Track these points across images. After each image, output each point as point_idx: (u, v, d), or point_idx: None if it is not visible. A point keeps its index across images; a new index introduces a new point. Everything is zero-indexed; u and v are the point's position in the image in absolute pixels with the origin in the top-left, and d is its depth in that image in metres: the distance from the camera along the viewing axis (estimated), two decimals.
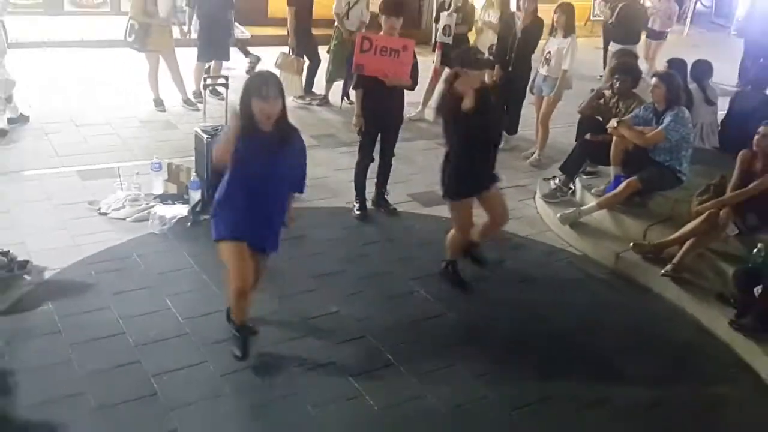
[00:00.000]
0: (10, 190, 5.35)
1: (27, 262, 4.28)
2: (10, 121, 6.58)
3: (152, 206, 5.14)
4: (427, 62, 9.08)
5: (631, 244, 5.02)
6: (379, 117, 5.18)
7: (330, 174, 6.23)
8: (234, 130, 3.25)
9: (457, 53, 4.31)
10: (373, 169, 5.54)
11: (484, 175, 4.28)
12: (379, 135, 5.38)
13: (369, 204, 5.61)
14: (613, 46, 8.78)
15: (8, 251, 4.26)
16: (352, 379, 3.59)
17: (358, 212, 5.49)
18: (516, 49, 6.89)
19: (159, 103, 7.53)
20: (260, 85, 3.20)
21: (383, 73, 5.04)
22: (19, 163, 5.87)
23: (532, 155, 7.01)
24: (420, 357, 3.85)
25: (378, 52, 4.99)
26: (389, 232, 5.32)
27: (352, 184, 5.61)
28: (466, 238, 4.40)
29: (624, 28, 8.94)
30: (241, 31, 10.29)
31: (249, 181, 3.33)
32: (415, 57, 5.16)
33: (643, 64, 6.35)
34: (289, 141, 3.35)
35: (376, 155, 5.49)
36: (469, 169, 4.19)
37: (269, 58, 8.26)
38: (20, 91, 6.90)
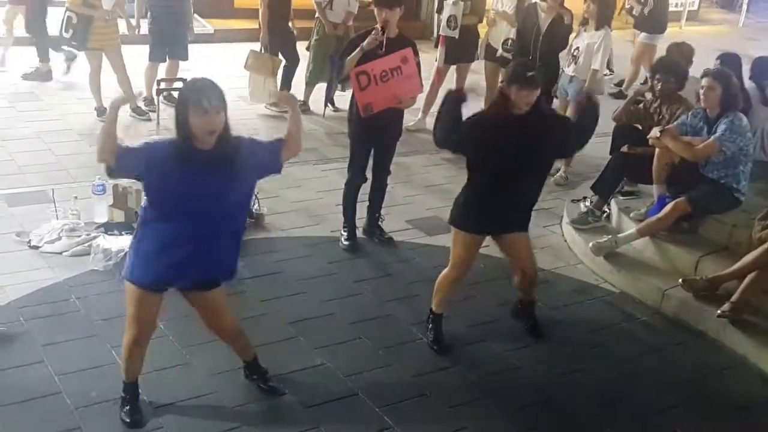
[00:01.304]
0: None
1: None
2: None
3: (94, 237, 5.19)
4: (429, 60, 9.24)
5: (680, 279, 5.06)
6: (373, 126, 5.25)
7: (311, 197, 6.31)
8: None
9: (511, 67, 4.25)
10: (364, 190, 5.62)
11: (505, 214, 4.25)
12: (372, 149, 5.45)
13: (360, 233, 5.67)
14: (641, 37, 8.98)
15: None
16: None
17: (346, 242, 5.54)
18: (540, 47, 7.03)
19: (102, 111, 7.60)
20: (198, 95, 3.18)
21: (395, 100, 5.15)
22: None
23: (557, 172, 7.10)
24: (423, 420, 3.88)
25: (379, 80, 5.07)
26: (385, 266, 5.38)
27: (339, 208, 5.68)
28: (457, 279, 4.44)
29: (655, 17, 9.16)
30: (203, 26, 10.45)
31: (186, 215, 3.32)
32: (418, 55, 5.27)
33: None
34: (235, 157, 3.31)
35: (369, 174, 5.56)
36: (485, 200, 4.21)
37: (237, 58, 8.38)
38: None
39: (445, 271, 4.45)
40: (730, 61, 6.05)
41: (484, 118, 4.16)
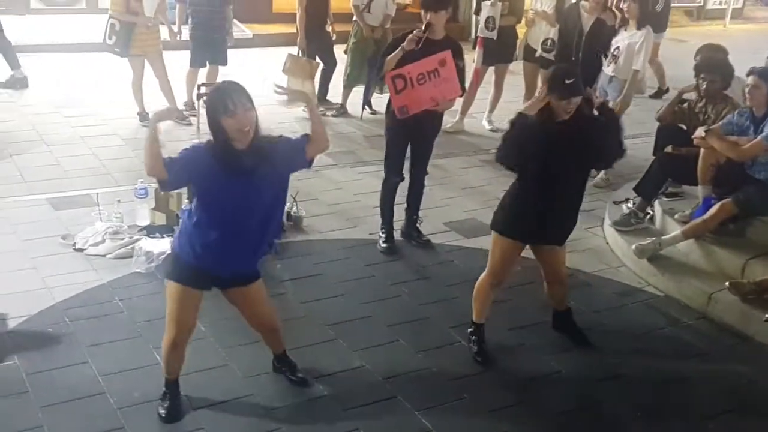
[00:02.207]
0: None
1: None
2: None
3: (137, 240, 5.27)
4: (467, 61, 9.22)
5: (727, 282, 4.98)
6: (410, 124, 5.23)
7: (349, 199, 6.33)
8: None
9: (551, 73, 4.16)
10: (402, 192, 5.62)
11: (547, 222, 4.17)
12: (408, 147, 5.44)
13: (398, 235, 5.68)
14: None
15: None
16: None
17: (384, 245, 5.55)
18: (583, 49, 6.98)
19: (144, 116, 7.74)
20: (223, 99, 3.28)
21: (432, 102, 5.14)
22: None
23: (597, 174, 7.02)
24: (462, 423, 3.87)
25: (416, 83, 5.06)
26: (423, 269, 5.37)
27: (377, 210, 5.69)
28: (494, 285, 4.36)
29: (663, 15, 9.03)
30: (242, 31, 10.57)
31: (229, 214, 3.42)
32: (462, 58, 5.26)
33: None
34: (270, 153, 3.40)
35: (406, 173, 5.56)
36: (529, 206, 4.13)
37: (276, 62, 8.45)
38: None
39: (482, 276, 4.41)
40: None
41: (532, 124, 4.03)
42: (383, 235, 5.57)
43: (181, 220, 3.71)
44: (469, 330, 4.43)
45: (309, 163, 3.67)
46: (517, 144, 4.00)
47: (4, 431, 3.57)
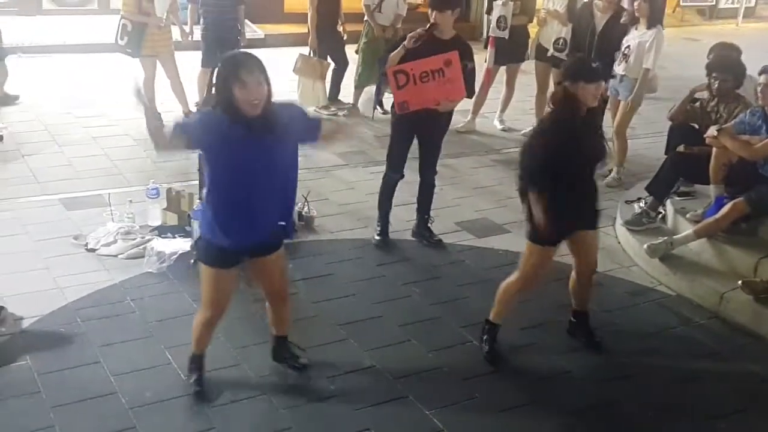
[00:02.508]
0: None
1: (0, 308, 4.42)
2: None
3: (148, 240, 5.29)
4: (478, 61, 9.21)
5: (739, 282, 4.96)
6: (416, 119, 5.22)
7: (360, 199, 6.33)
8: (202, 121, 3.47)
9: (569, 64, 4.23)
10: (413, 191, 5.60)
11: (579, 214, 4.17)
12: (417, 145, 5.42)
13: (409, 234, 5.67)
14: None
15: None
16: None
17: (378, 238, 5.57)
18: (596, 48, 6.96)
19: (156, 117, 7.75)
20: (237, 68, 3.30)
21: (433, 102, 5.13)
22: None
23: (609, 173, 7.00)
24: (474, 423, 3.86)
25: (419, 80, 5.04)
26: (434, 268, 5.36)
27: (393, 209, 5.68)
28: (525, 292, 4.31)
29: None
30: (253, 31, 10.59)
31: (241, 179, 3.46)
32: (472, 60, 5.24)
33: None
34: (279, 121, 3.42)
35: (408, 172, 5.52)
36: (562, 206, 4.01)
37: (287, 62, 8.46)
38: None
39: (511, 279, 4.28)
40: None
41: (560, 125, 3.99)
42: (378, 228, 5.59)
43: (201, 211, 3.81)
44: (484, 328, 4.40)
45: (316, 138, 3.75)
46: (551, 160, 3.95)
47: (16, 431, 3.58)
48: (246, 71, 3.28)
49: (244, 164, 3.42)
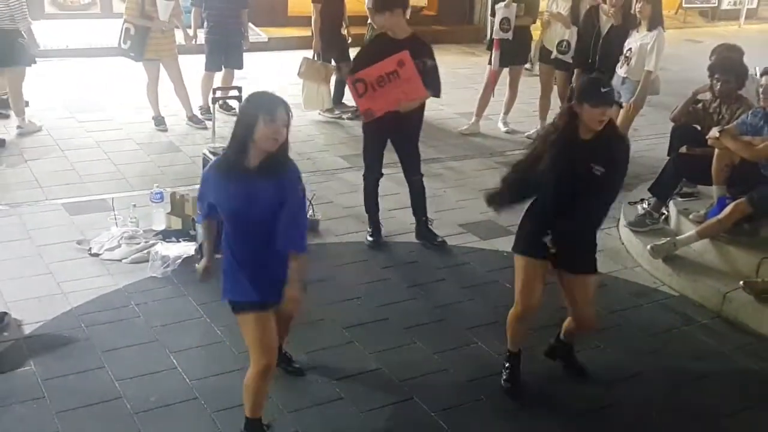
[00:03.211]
0: None
1: (4, 314, 4.42)
2: None
3: (153, 245, 5.28)
4: (482, 63, 9.19)
5: (742, 282, 4.96)
6: (384, 122, 5.24)
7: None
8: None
9: (583, 82, 4.01)
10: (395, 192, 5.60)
11: (560, 243, 3.82)
12: (386, 142, 5.44)
13: (413, 237, 5.67)
14: None
15: None
16: None
17: (370, 238, 5.59)
18: (601, 51, 6.96)
19: (160, 121, 7.77)
20: (272, 105, 3.20)
21: (395, 103, 5.15)
22: None
23: None
24: (479, 424, 3.85)
25: (376, 86, 5.10)
26: (438, 271, 5.35)
27: (393, 213, 5.69)
28: (522, 313, 3.96)
29: None
30: (257, 34, 10.58)
31: (241, 229, 3.35)
32: (431, 57, 5.23)
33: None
34: (279, 172, 3.29)
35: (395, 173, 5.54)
36: (540, 222, 3.86)
37: (291, 65, 8.47)
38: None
39: (512, 308, 4.06)
40: None
41: (556, 138, 3.79)
42: (369, 230, 5.61)
43: None
44: (507, 354, 4.15)
45: (299, 245, 3.41)
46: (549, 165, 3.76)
47: None
48: (277, 108, 3.20)
49: (236, 214, 3.31)
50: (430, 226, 5.70)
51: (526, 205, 3.95)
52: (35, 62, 7.46)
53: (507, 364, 4.13)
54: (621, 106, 6.45)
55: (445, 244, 5.64)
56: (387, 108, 5.15)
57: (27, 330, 4.39)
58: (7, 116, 7.69)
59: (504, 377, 4.11)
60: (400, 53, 5.07)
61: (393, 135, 5.41)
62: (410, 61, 5.08)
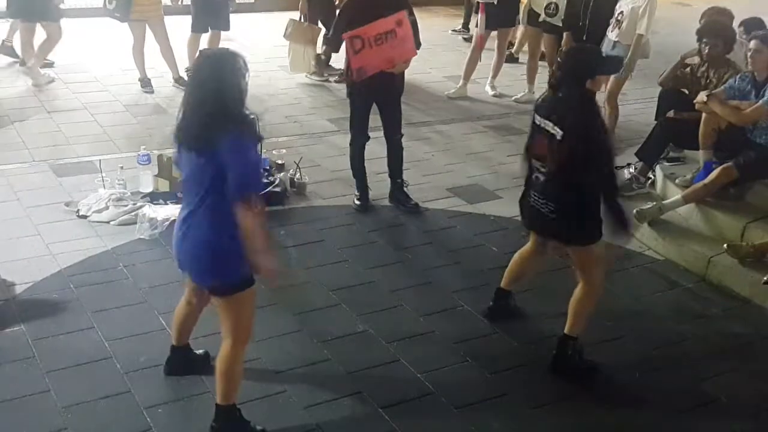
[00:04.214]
0: None
1: None
2: None
3: (140, 207, 5.28)
4: (469, 26, 9.15)
5: (726, 245, 5.00)
6: (371, 86, 5.24)
7: None
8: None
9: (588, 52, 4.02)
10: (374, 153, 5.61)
11: (541, 213, 3.88)
12: (371, 107, 5.45)
13: (387, 201, 5.70)
14: None
15: None
16: (383, 411, 3.66)
17: (357, 202, 5.61)
18: (591, 14, 6.93)
19: (146, 83, 7.71)
20: (243, 61, 3.11)
21: (389, 63, 5.18)
22: None
23: None
24: (464, 385, 3.90)
25: (374, 43, 5.09)
26: (426, 234, 5.39)
27: (380, 176, 5.69)
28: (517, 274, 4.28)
29: None
30: None
31: (184, 195, 3.25)
32: (412, 12, 5.30)
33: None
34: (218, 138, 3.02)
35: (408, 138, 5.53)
36: (525, 192, 4.02)
37: (278, 27, 8.39)
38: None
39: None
40: (752, 26, 5.97)
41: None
42: (356, 194, 5.63)
43: None
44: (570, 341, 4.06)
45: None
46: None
47: (11, 395, 3.61)
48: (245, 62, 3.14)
49: (185, 177, 3.20)
50: (405, 189, 5.70)
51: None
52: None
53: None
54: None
55: (418, 207, 5.63)
56: (380, 67, 5.16)
57: (16, 291, 4.40)
58: None
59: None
60: (398, 13, 5.13)
61: (380, 97, 5.40)
62: (407, 21, 5.14)
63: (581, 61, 3.77)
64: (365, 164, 5.66)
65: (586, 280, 3.95)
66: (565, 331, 4.00)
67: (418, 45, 5.40)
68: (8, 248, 4.79)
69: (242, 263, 3.13)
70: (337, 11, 5.80)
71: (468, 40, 9.63)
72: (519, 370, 4.04)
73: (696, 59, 5.93)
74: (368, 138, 5.56)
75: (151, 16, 7.51)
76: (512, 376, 3.99)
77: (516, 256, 4.35)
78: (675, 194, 5.51)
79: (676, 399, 3.90)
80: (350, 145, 5.61)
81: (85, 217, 5.22)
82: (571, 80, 3.70)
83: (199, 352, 3.87)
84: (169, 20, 7.77)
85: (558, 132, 3.68)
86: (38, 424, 3.45)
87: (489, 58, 8.31)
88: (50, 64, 8.14)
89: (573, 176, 3.70)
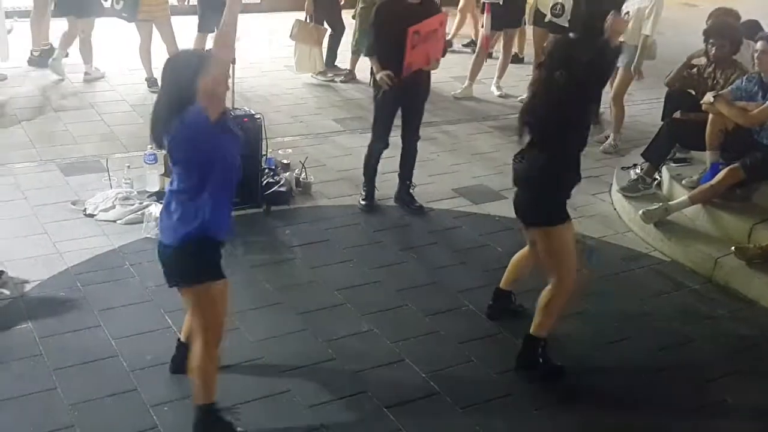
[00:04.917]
0: None
1: (1, 272, 4.45)
2: None
3: (147, 206, 5.30)
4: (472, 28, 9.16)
5: (733, 247, 5.00)
6: (400, 90, 5.27)
7: (358, 165, 6.28)
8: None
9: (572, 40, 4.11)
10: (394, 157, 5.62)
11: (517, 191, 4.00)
12: (396, 113, 5.47)
13: (392, 201, 5.72)
14: None
15: None
16: (388, 410, 3.66)
17: (363, 202, 5.61)
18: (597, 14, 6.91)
19: (153, 82, 7.72)
20: (198, 59, 3.11)
21: (427, 60, 5.27)
22: None
23: (606, 140, 7.00)
24: (469, 386, 3.90)
25: (422, 41, 5.17)
26: (431, 234, 5.39)
27: (386, 176, 5.70)
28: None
29: None
30: None
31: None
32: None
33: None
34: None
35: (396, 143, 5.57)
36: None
37: (284, 27, 8.40)
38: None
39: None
40: (751, 28, 5.99)
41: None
42: (363, 194, 5.63)
43: None
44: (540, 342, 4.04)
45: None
46: None
47: (19, 393, 3.63)
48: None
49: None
50: (411, 191, 5.71)
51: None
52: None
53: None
54: None
55: (422, 210, 5.65)
56: (420, 65, 5.25)
57: (24, 288, 4.42)
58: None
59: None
60: (441, 14, 5.34)
61: (407, 102, 5.43)
62: (446, 23, 5.32)
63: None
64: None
65: (553, 276, 3.86)
66: (531, 331, 3.94)
67: (444, 52, 5.56)
68: (16, 246, 4.81)
69: (215, 257, 3.19)
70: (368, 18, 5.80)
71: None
72: (524, 371, 4.02)
73: (703, 60, 5.94)
74: (388, 145, 5.56)
75: (158, 16, 7.54)
76: (517, 376, 3.99)
77: (515, 256, 4.36)
78: (681, 195, 5.51)
79: (682, 400, 3.91)
80: (369, 147, 5.60)
81: (92, 215, 5.24)
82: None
83: None
84: (175, 20, 7.79)
85: None
86: (45, 421, 3.46)
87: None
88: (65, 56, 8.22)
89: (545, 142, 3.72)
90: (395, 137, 5.61)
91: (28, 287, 4.44)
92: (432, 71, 5.53)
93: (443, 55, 5.55)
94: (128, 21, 7.52)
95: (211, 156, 3.11)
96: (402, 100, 5.39)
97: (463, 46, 9.84)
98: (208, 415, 3.33)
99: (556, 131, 3.70)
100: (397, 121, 5.58)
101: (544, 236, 3.86)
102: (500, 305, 4.41)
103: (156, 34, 7.63)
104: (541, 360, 3.95)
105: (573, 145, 3.79)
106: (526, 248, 4.24)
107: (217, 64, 3.03)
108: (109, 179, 5.59)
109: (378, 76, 5.27)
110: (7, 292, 4.35)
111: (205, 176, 3.13)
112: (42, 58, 8.11)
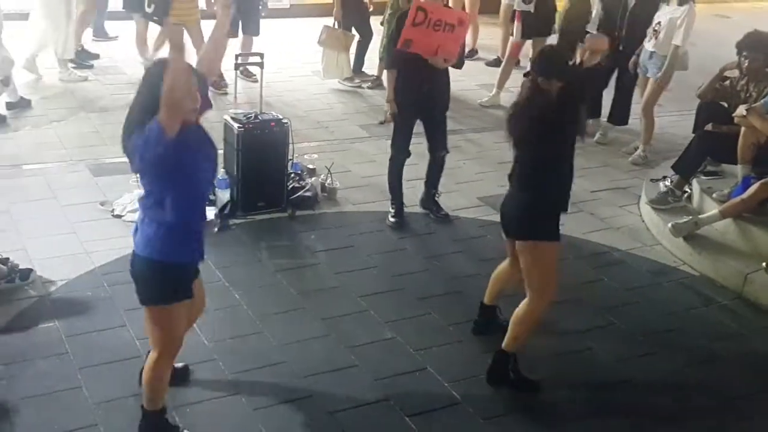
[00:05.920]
0: (10, 187, 5.66)
1: (30, 270, 4.53)
2: (9, 106, 6.96)
3: None
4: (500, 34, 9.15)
5: (764, 263, 4.96)
6: (418, 101, 5.28)
7: (382, 172, 6.30)
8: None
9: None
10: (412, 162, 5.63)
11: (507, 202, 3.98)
12: (421, 125, 5.47)
13: (418, 207, 5.72)
14: None
15: (8, 259, 4.51)
16: (409, 419, 3.67)
17: (393, 219, 5.57)
18: (627, 24, 6.91)
19: None
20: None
21: (433, 50, 5.16)
22: (19, 156, 6.20)
23: (635, 151, 6.97)
24: (492, 397, 3.91)
25: (432, 25, 5.11)
26: (455, 243, 5.40)
27: (410, 183, 5.73)
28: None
29: None
30: (278, 0, 10.56)
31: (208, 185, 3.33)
32: (466, 30, 5.38)
33: None
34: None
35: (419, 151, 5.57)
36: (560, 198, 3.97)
37: (312, 33, 8.46)
38: (20, 71, 7.29)
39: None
40: None
41: None
42: (392, 210, 5.60)
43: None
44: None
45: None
46: None
47: (44, 391, 3.68)
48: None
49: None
50: (436, 199, 5.72)
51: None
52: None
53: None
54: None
55: (447, 218, 5.66)
56: (424, 51, 5.15)
57: (51, 287, 4.50)
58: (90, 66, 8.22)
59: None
60: (462, 13, 5.29)
61: (425, 113, 5.41)
62: (467, 26, 5.23)
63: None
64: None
65: (532, 290, 3.81)
66: (503, 345, 3.91)
67: (461, 63, 5.44)
68: (44, 245, 4.89)
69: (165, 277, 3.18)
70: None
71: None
72: (547, 381, 4.02)
73: (735, 72, 5.90)
74: (409, 155, 5.55)
75: (189, 20, 7.62)
76: (541, 387, 3.98)
77: (496, 269, 4.28)
78: (711, 209, 5.46)
79: (707, 417, 3.88)
80: (390, 161, 5.59)
81: (119, 216, 5.31)
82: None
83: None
84: (205, 24, 7.87)
85: None
86: (69, 419, 3.52)
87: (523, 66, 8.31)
88: (95, 56, 8.49)
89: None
90: (416, 144, 5.61)
91: (55, 286, 4.51)
92: (454, 81, 5.49)
93: (460, 66, 5.44)
94: (159, 24, 7.61)
95: (166, 169, 3.10)
96: (419, 113, 5.39)
97: (486, 64, 9.67)
98: (153, 421, 3.37)
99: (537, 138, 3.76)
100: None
101: (528, 252, 3.79)
102: (486, 320, 4.37)
103: (186, 38, 7.70)
104: (511, 374, 3.93)
105: (559, 148, 3.77)
106: (507, 261, 4.17)
107: (168, 74, 2.94)
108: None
109: (386, 106, 5.36)
110: (33, 292, 4.42)
111: (164, 190, 3.16)
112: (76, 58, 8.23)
